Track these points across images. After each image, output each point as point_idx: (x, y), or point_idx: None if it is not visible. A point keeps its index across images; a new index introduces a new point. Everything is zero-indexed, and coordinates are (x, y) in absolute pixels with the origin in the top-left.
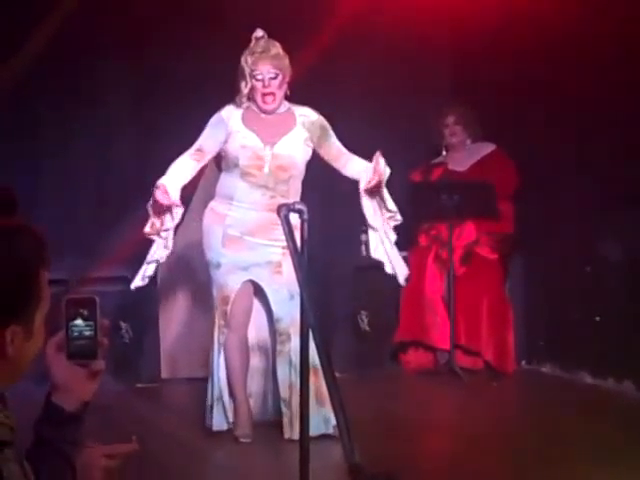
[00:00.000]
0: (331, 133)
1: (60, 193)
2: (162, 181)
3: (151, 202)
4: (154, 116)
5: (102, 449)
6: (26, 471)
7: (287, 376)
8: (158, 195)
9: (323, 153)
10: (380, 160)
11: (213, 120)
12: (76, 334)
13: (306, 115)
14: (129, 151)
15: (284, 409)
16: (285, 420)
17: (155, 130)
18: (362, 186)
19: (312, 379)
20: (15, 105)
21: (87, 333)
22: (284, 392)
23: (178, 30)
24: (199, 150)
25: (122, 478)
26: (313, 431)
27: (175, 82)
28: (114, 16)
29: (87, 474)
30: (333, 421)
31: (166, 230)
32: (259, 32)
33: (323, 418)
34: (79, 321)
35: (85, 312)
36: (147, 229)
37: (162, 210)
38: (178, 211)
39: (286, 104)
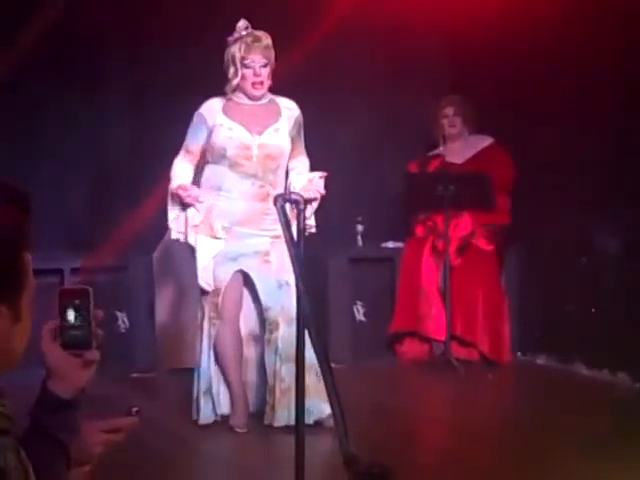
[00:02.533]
0: (302, 132)
1: (56, 182)
2: (178, 182)
3: (172, 203)
4: (151, 108)
5: (100, 424)
6: (23, 459)
7: (272, 364)
8: (185, 196)
9: (291, 148)
10: (321, 182)
11: (194, 120)
12: (70, 324)
13: (290, 108)
14: (125, 141)
15: (267, 396)
16: (267, 407)
17: (152, 121)
18: (299, 188)
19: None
20: (12, 96)
21: (81, 324)
22: (269, 380)
23: (176, 22)
24: (188, 152)
25: (117, 465)
26: (291, 421)
27: (172, 75)
28: (113, 7)
29: (85, 450)
30: (313, 415)
31: (195, 226)
32: (242, 22)
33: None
34: (73, 312)
35: (79, 303)
36: (174, 225)
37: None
38: (201, 207)
39: (269, 95)
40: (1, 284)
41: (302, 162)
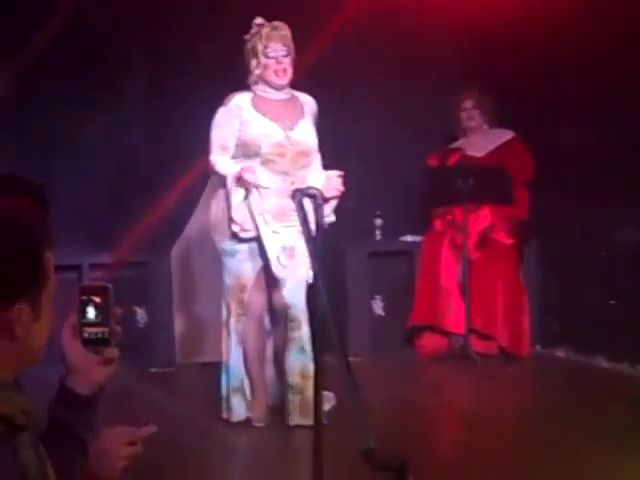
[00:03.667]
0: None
1: (74, 177)
2: (240, 166)
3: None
4: (168, 101)
5: (123, 435)
6: (41, 455)
7: (300, 364)
8: (248, 176)
9: None
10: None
11: (223, 116)
12: (89, 322)
13: (309, 102)
14: (143, 135)
15: (293, 396)
16: (292, 407)
17: (172, 117)
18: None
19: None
20: (29, 91)
21: (100, 321)
22: (295, 379)
23: (193, 14)
24: (224, 149)
25: (136, 460)
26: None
27: (189, 67)
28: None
29: (111, 465)
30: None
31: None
32: (259, 19)
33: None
34: (93, 309)
35: (98, 300)
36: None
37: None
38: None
39: (290, 89)
40: (22, 282)
41: (317, 158)
